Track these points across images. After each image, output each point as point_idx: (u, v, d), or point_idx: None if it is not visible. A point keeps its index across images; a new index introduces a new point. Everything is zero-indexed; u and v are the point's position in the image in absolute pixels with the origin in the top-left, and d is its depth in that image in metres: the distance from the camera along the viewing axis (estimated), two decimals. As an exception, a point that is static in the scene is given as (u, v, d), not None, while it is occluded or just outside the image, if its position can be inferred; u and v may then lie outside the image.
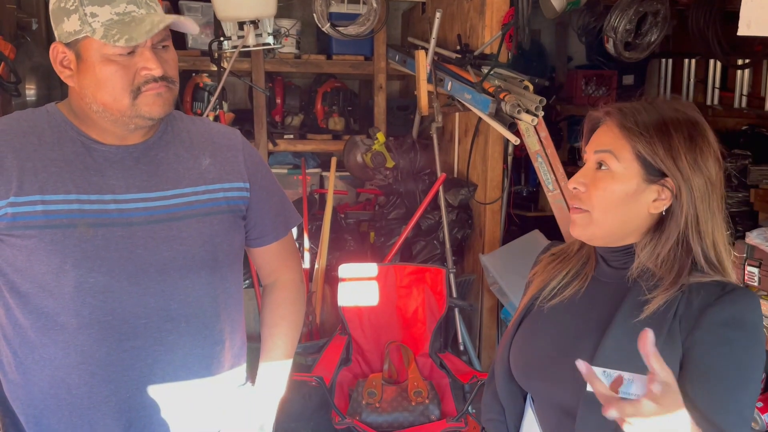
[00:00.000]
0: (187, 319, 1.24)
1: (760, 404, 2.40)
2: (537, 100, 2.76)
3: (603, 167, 1.08)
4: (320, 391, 2.48)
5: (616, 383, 0.88)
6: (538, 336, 1.18)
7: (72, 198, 1.16)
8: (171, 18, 1.13)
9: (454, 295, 3.06)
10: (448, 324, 3.10)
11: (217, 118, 3.66)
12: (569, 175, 2.22)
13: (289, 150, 4.16)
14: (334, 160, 3.66)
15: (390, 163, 3.72)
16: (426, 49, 3.35)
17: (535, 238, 3.28)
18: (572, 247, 1.22)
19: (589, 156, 1.11)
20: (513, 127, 2.90)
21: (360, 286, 2.81)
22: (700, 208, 1.04)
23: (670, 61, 4.63)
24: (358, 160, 3.88)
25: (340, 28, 3.66)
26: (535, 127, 2.81)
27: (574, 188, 1.10)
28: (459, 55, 3.32)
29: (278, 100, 4.14)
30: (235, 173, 1.32)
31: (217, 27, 3.71)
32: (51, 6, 1.16)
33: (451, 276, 3.03)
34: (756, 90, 4.03)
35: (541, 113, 2.77)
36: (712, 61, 4.23)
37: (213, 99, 3.59)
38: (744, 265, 2.34)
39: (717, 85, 4.29)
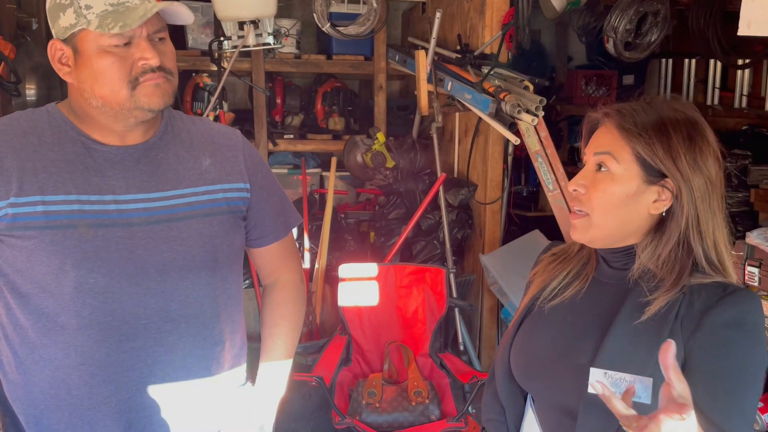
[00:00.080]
0: (187, 320, 1.24)
1: (760, 404, 2.40)
2: (537, 100, 2.76)
3: (603, 169, 1.08)
4: (320, 391, 2.48)
5: (629, 394, 0.86)
6: (538, 336, 1.18)
7: (72, 198, 1.16)
8: (164, 3, 1.14)
9: (454, 295, 3.06)
10: (448, 324, 3.10)
11: (217, 118, 3.66)
12: (569, 175, 2.22)
13: (289, 150, 4.16)
14: (334, 160, 3.66)
15: (390, 163, 3.72)
16: (426, 49, 3.35)
17: (535, 238, 3.28)
18: (573, 248, 1.22)
19: (589, 157, 1.10)
20: (513, 127, 2.89)
21: (360, 286, 2.81)
22: (700, 209, 1.04)
23: (670, 61, 4.63)
24: (358, 160, 3.88)
25: (340, 28, 3.66)
26: (535, 127, 2.81)
27: (574, 190, 1.10)
28: (459, 55, 3.31)
29: (278, 100, 4.14)
30: (235, 173, 1.32)
31: (217, 27, 3.71)
32: (48, 5, 1.16)
33: (451, 276, 3.03)
34: (756, 90, 4.03)
35: (541, 113, 2.77)
36: (712, 61, 4.23)
37: (213, 99, 3.59)
38: (744, 265, 2.34)
39: (717, 85, 4.29)
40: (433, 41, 3.31)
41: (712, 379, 0.99)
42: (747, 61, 3.66)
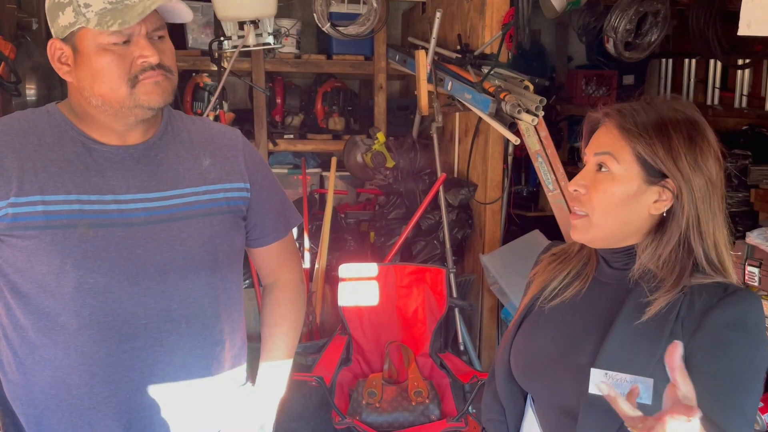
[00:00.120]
0: (187, 320, 1.24)
1: (760, 404, 2.40)
2: (537, 100, 2.76)
3: (603, 169, 1.08)
4: (320, 391, 2.47)
5: (633, 395, 0.86)
6: (538, 336, 1.18)
7: (72, 198, 1.16)
8: (162, 0, 1.13)
9: (455, 295, 3.06)
10: (448, 324, 3.10)
11: (217, 118, 3.66)
12: (569, 175, 2.22)
13: (289, 150, 4.16)
14: (334, 160, 3.66)
15: (390, 163, 3.72)
16: (426, 49, 3.35)
17: (535, 238, 3.28)
18: (573, 248, 1.22)
19: (589, 158, 1.10)
20: (513, 127, 2.89)
21: (360, 286, 2.81)
22: (701, 209, 1.04)
23: (671, 61, 4.63)
24: (358, 160, 3.88)
25: (340, 28, 3.66)
26: (535, 127, 2.81)
27: (575, 190, 1.10)
28: (459, 55, 3.31)
29: (278, 100, 4.14)
30: (235, 173, 1.32)
31: (217, 27, 3.70)
32: (47, 4, 1.16)
33: (451, 276, 3.03)
34: (756, 90, 4.03)
35: (542, 113, 2.77)
36: (712, 61, 4.23)
37: (213, 99, 3.59)
38: (744, 265, 2.34)
39: (717, 85, 4.29)
40: (433, 41, 3.31)
41: (713, 379, 0.99)
42: (747, 61, 3.66)
